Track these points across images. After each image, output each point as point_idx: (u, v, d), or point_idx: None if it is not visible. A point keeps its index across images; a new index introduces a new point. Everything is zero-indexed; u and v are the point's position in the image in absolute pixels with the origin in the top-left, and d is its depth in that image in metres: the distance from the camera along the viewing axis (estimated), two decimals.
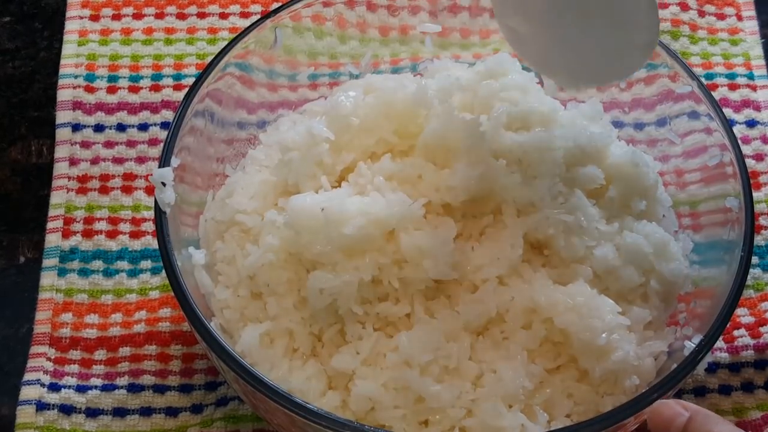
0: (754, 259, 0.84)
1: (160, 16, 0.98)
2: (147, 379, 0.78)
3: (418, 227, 0.69)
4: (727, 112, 0.91)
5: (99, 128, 0.91)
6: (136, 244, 0.85)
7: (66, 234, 0.85)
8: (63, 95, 0.92)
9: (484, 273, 0.70)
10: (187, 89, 0.78)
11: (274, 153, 0.76)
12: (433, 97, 0.74)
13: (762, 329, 0.80)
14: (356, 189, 0.72)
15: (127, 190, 0.87)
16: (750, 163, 0.88)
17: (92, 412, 0.76)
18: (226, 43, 0.82)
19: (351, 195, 0.71)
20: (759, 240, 0.85)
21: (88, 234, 0.85)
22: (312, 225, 0.68)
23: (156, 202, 0.70)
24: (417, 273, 0.69)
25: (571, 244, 0.71)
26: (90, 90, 0.93)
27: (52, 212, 0.86)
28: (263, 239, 0.71)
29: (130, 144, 0.90)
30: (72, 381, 0.78)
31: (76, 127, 0.90)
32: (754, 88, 0.94)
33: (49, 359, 0.78)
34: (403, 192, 0.71)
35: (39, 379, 0.77)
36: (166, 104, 0.92)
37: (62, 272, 0.83)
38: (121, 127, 0.91)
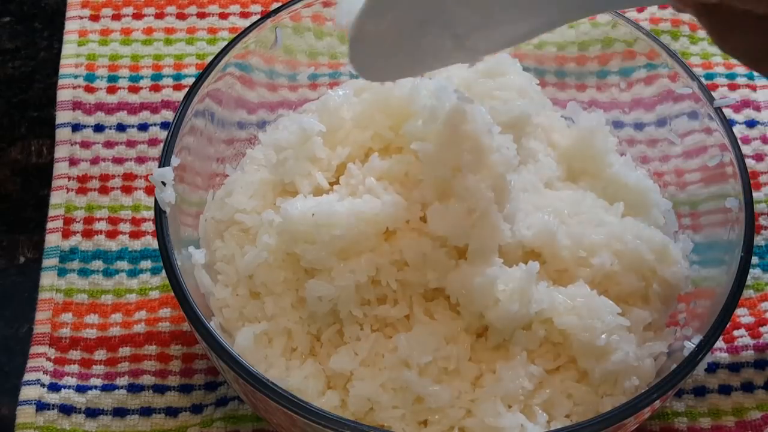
0: (754, 259, 0.84)
1: (160, 16, 0.98)
2: (147, 379, 0.78)
3: (421, 232, 0.69)
4: (727, 112, 0.91)
5: (99, 128, 0.91)
6: (136, 244, 0.85)
7: (66, 234, 0.85)
8: (63, 95, 0.92)
9: None
10: (187, 89, 0.78)
11: (272, 152, 0.76)
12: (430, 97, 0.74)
13: (762, 329, 0.80)
14: (348, 190, 0.72)
15: (127, 190, 0.87)
16: (750, 163, 0.88)
17: (92, 412, 0.76)
18: (226, 43, 0.82)
19: (343, 198, 0.71)
20: (759, 240, 0.85)
21: (88, 234, 0.85)
22: (304, 231, 0.68)
23: (156, 201, 0.70)
24: (417, 277, 0.68)
25: (560, 261, 0.71)
26: (90, 90, 0.93)
27: (51, 212, 0.86)
28: (260, 239, 0.71)
29: (130, 144, 0.90)
30: (72, 381, 0.78)
31: (76, 127, 0.90)
32: (754, 88, 0.94)
33: (49, 359, 0.78)
34: (395, 190, 0.70)
35: (39, 379, 0.77)
36: (166, 104, 0.92)
37: (62, 272, 0.83)
38: (121, 127, 0.91)
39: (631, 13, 0.97)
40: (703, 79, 0.92)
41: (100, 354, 0.79)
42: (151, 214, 0.86)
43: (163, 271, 0.73)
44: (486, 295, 0.67)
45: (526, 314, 0.67)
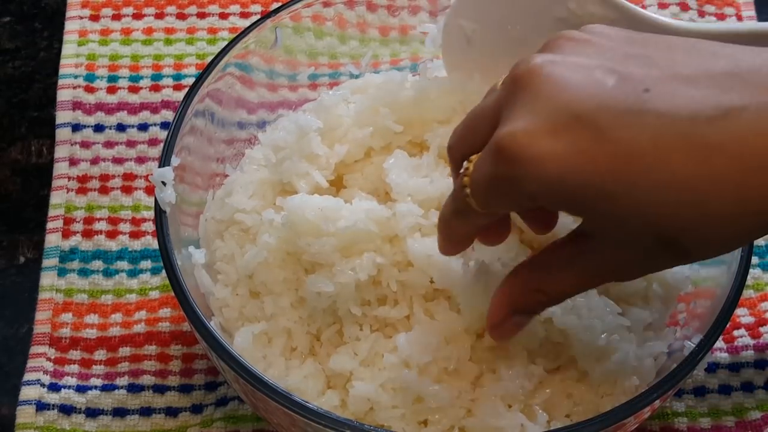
0: (754, 259, 0.84)
1: (160, 16, 0.98)
2: (147, 379, 0.78)
3: (426, 233, 0.69)
4: None
5: (99, 128, 0.91)
6: (136, 244, 0.85)
7: (66, 234, 0.85)
8: (63, 95, 0.93)
9: None
10: (187, 89, 0.78)
11: (271, 152, 0.76)
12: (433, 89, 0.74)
13: (762, 329, 0.80)
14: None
15: (127, 190, 0.87)
16: None
17: (92, 412, 0.76)
18: (226, 43, 0.82)
19: (359, 199, 0.71)
20: (759, 240, 0.85)
21: (88, 234, 0.85)
22: (311, 223, 0.68)
23: (156, 201, 0.70)
24: (421, 278, 0.68)
25: None
26: (90, 90, 0.93)
27: (51, 212, 0.86)
28: (260, 238, 0.71)
29: (130, 144, 0.90)
30: (72, 381, 0.78)
31: (76, 128, 0.91)
32: None
33: (49, 359, 0.78)
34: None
35: (39, 380, 0.77)
36: (166, 104, 0.92)
37: (62, 272, 0.83)
38: (121, 127, 0.91)
39: None
40: None
41: (100, 354, 0.79)
42: (151, 214, 0.86)
43: (163, 271, 0.73)
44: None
45: (536, 323, 0.67)
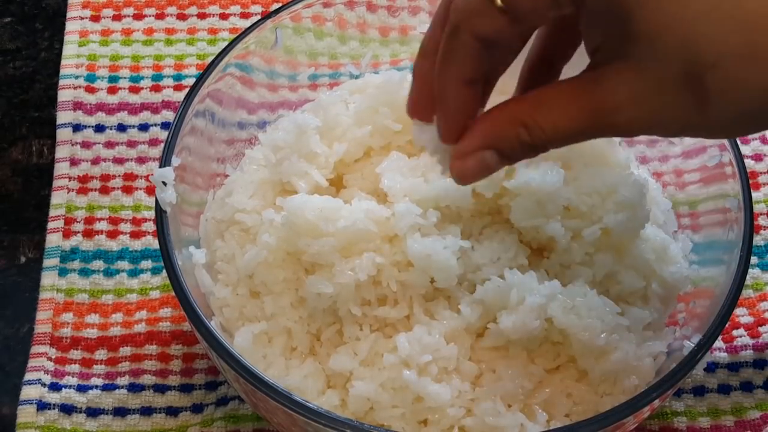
0: (753, 259, 0.84)
1: (160, 16, 0.98)
2: (147, 379, 0.78)
3: (426, 233, 0.69)
4: None
5: (99, 128, 0.91)
6: (137, 244, 0.85)
7: (67, 234, 0.85)
8: (64, 95, 0.93)
9: (484, 273, 0.70)
10: (187, 90, 0.78)
11: (271, 152, 0.76)
12: None
13: (761, 329, 0.80)
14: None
15: (127, 190, 0.88)
16: (749, 163, 0.88)
17: (93, 412, 0.76)
18: (226, 43, 0.82)
19: (358, 199, 0.71)
20: (758, 240, 0.85)
21: (88, 234, 0.85)
22: (310, 223, 0.68)
23: (157, 201, 0.70)
24: (421, 278, 0.69)
25: (569, 254, 0.71)
26: (91, 90, 0.93)
27: (52, 212, 0.86)
28: (260, 238, 0.71)
29: (131, 144, 0.90)
30: (73, 381, 0.78)
31: (77, 128, 0.91)
32: None
33: (49, 359, 0.79)
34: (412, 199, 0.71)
35: (40, 379, 0.77)
36: (166, 104, 0.92)
37: (63, 272, 0.83)
38: (121, 128, 0.91)
39: None
40: None
41: (101, 354, 0.79)
42: (151, 214, 0.86)
43: (164, 270, 0.73)
44: (502, 300, 0.67)
45: (541, 330, 0.68)
